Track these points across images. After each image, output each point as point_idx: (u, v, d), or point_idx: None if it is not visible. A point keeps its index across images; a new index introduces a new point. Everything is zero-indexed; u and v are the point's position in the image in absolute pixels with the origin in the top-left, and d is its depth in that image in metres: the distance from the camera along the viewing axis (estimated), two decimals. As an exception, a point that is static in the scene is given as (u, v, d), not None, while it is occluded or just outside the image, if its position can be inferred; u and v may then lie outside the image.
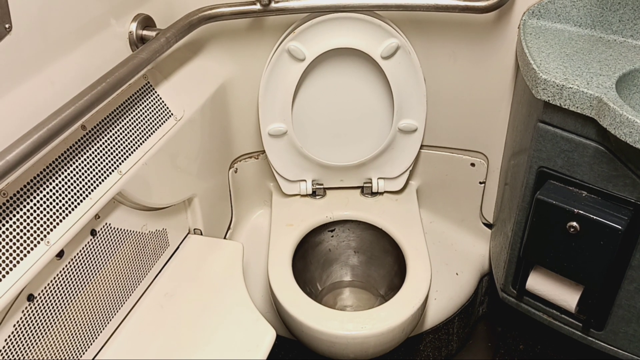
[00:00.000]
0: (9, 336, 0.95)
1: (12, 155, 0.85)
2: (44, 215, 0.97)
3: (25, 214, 0.94)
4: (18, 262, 0.91)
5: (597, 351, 1.32)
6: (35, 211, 0.96)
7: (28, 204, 0.95)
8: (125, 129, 1.17)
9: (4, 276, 0.88)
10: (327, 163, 1.56)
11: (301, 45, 1.38)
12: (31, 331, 0.99)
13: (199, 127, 1.39)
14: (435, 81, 1.49)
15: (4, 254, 0.90)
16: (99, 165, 1.09)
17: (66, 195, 1.01)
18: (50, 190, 0.99)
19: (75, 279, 1.08)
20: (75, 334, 1.11)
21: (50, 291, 1.03)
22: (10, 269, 0.90)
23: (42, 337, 1.02)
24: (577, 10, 1.26)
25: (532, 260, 1.31)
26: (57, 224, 0.98)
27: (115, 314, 1.22)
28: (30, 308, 0.99)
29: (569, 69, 1.14)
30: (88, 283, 1.12)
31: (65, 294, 1.06)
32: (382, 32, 1.37)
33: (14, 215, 0.93)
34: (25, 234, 0.93)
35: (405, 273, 1.39)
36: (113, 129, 1.14)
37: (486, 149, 1.57)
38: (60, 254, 1.04)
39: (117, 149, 1.13)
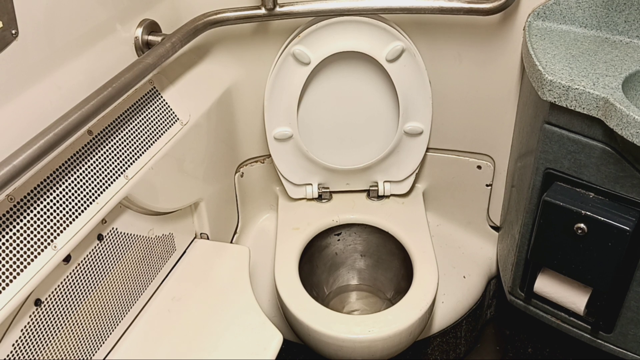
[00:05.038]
0: (17, 341, 0.95)
1: (19, 160, 0.85)
2: (51, 220, 0.97)
3: (32, 218, 0.95)
4: (25, 266, 0.91)
5: (606, 354, 1.31)
6: (42, 216, 0.96)
7: (35, 208, 0.96)
8: (132, 134, 1.17)
9: (11, 281, 0.89)
10: (333, 166, 1.56)
11: (306, 49, 1.38)
12: (38, 336, 1.00)
13: (204, 132, 1.39)
14: (441, 84, 1.49)
15: (11, 258, 0.90)
16: (105, 169, 1.09)
17: (73, 200, 1.02)
18: (57, 195, 1.00)
19: (82, 284, 1.09)
20: (83, 338, 1.11)
21: (58, 296, 1.03)
22: (18, 274, 0.90)
23: (49, 341, 1.02)
24: (583, 11, 1.26)
25: (540, 263, 1.30)
26: (64, 228, 0.99)
27: (122, 318, 1.22)
28: (38, 313, 0.99)
29: (574, 70, 1.14)
30: (95, 287, 1.12)
31: (72, 299, 1.06)
32: (387, 35, 1.37)
33: (21, 220, 0.93)
34: (32, 239, 0.94)
35: (412, 276, 1.39)
36: (119, 133, 1.15)
37: (492, 151, 1.57)
38: (67, 259, 1.04)
39: (123, 153, 1.14)
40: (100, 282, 1.13)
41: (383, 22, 1.36)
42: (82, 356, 1.11)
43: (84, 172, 1.05)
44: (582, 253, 1.19)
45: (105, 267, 1.14)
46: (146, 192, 1.20)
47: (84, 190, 1.04)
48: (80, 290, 1.08)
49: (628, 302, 1.21)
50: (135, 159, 1.16)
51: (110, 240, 1.15)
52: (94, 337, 1.14)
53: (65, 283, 1.04)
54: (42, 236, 0.95)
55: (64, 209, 1.00)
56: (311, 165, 1.56)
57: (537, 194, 1.25)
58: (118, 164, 1.12)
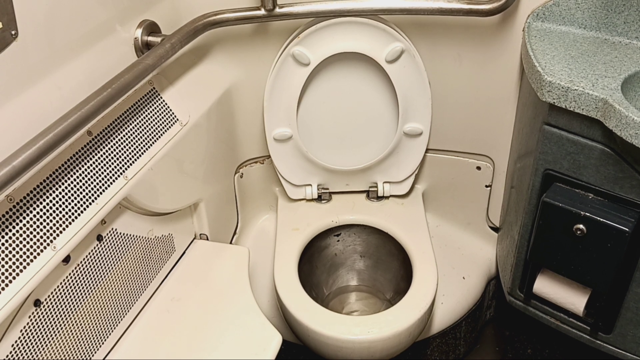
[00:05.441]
0: (16, 341, 0.95)
1: (18, 160, 0.85)
2: (51, 221, 0.97)
3: (31, 219, 0.95)
4: (25, 267, 0.91)
5: (605, 354, 1.31)
6: (41, 216, 0.96)
7: (35, 209, 0.96)
8: (131, 135, 1.17)
9: (10, 281, 0.89)
10: (333, 167, 1.56)
11: (306, 50, 1.38)
12: (38, 336, 1.00)
13: (204, 132, 1.40)
14: (440, 84, 1.49)
15: (10, 259, 0.90)
16: (105, 170, 1.09)
17: (72, 201, 1.02)
18: (57, 195, 1.00)
19: (81, 284, 1.09)
20: (82, 339, 1.11)
21: (57, 296, 1.03)
22: (17, 274, 0.90)
23: (49, 342, 1.02)
24: (582, 12, 1.26)
25: (539, 264, 1.30)
26: (64, 229, 0.99)
27: (122, 319, 1.22)
28: (37, 313, 0.99)
29: (574, 71, 1.14)
30: (94, 288, 1.12)
31: (71, 299, 1.07)
32: (386, 36, 1.37)
33: (21, 221, 0.93)
34: (31, 239, 0.94)
35: (412, 277, 1.39)
36: (119, 134, 1.15)
37: (492, 152, 1.57)
38: (66, 259, 1.04)
39: (123, 154, 1.14)
40: (99, 282, 1.13)
41: (382, 23, 1.36)
42: (81, 356, 1.11)
43: (83, 172, 1.05)
44: (582, 254, 1.19)
45: (105, 267, 1.14)
46: (146, 192, 1.20)
47: (84, 190, 1.04)
48: (80, 290, 1.08)
49: (627, 302, 1.21)
50: (135, 160, 1.16)
51: (109, 240, 1.15)
52: (94, 338, 1.14)
53: (65, 284, 1.04)
54: (41, 237, 0.95)
55: (63, 209, 1.00)
56: (311, 166, 1.56)
57: (537, 194, 1.25)
58: (117, 164, 1.12)
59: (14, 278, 0.89)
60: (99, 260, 1.13)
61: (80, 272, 1.08)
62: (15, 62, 0.93)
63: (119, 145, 1.14)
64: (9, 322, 0.93)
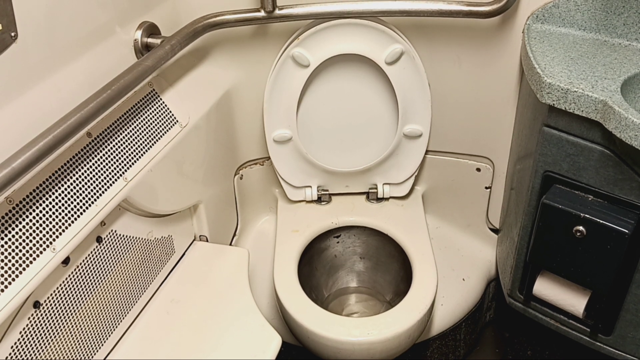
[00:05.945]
0: (15, 343, 0.95)
1: (18, 162, 0.85)
2: (50, 222, 0.97)
3: (31, 221, 0.95)
4: (24, 269, 0.91)
5: (605, 356, 1.31)
6: (41, 218, 0.96)
7: (34, 211, 0.96)
8: (131, 136, 1.17)
9: (10, 283, 0.89)
10: (333, 169, 1.56)
11: (305, 52, 1.39)
12: (37, 338, 0.99)
13: (204, 134, 1.40)
14: (440, 86, 1.49)
15: (10, 260, 0.90)
16: (104, 172, 1.09)
17: (72, 202, 1.02)
18: (56, 197, 1.00)
19: (81, 286, 1.09)
20: (81, 341, 1.11)
21: (56, 298, 1.03)
22: (17, 276, 0.90)
23: (48, 344, 1.02)
24: (582, 14, 1.26)
25: (539, 265, 1.30)
26: (63, 230, 0.99)
27: (121, 321, 1.22)
28: (36, 315, 0.99)
29: (573, 73, 1.14)
30: (94, 290, 1.12)
31: (71, 301, 1.06)
32: (386, 37, 1.37)
33: (20, 223, 0.93)
34: (31, 241, 0.94)
35: (412, 279, 1.39)
36: (118, 136, 1.15)
37: (492, 153, 1.57)
38: (66, 261, 1.04)
39: (122, 156, 1.14)
40: (99, 284, 1.13)
41: (382, 24, 1.36)
42: (81, 358, 1.11)
43: (83, 174, 1.05)
44: (581, 256, 1.19)
45: (104, 269, 1.14)
46: (145, 194, 1.20)
47: (83, 192, 1.04)
48: (79, 292, 1.08)
49: (627, 304, 1.21)
50: (135, 161, 1.16)
51: (109, 242, 1.15)
52: (93, 339, 1.14)
53: (64, 285, 1.04)
54: (41, 238, 0.95)
55: (63, 211, 1.00)
56: (310, 168, 1.57)
57: (536, 196, 1.25)
58: (117, 166, 1.12)
59: (13, 280, 0.89)
60: (99, 262, 1.13)
61: (80, 273, 1.08)
62: (15, 63, 0.93)
63: (119, 147, 1.14)
64: (8, 323, 0.93)
